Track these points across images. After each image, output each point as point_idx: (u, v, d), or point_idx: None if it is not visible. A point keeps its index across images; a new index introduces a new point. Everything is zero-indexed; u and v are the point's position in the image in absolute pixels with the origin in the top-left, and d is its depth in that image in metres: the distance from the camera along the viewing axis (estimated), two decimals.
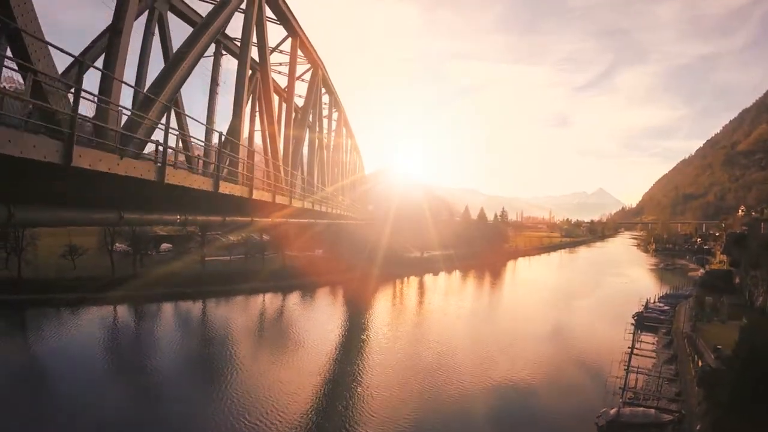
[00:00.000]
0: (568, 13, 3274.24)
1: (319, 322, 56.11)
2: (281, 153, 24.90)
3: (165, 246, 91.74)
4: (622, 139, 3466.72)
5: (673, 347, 44.21)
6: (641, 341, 47.05)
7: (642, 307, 59.82)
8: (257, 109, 30.66)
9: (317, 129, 37.37)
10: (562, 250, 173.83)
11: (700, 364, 35.75)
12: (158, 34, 20.92)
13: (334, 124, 48.69)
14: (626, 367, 39.22)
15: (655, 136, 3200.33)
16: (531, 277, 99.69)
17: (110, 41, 11.51)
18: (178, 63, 13.30)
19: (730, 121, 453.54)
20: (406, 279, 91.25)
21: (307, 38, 27.79)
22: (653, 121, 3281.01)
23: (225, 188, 12.41)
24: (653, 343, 47.75)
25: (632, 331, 47.51)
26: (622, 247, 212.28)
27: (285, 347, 46.82)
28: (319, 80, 32.46)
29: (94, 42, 17.88)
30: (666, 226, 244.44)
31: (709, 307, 54.76)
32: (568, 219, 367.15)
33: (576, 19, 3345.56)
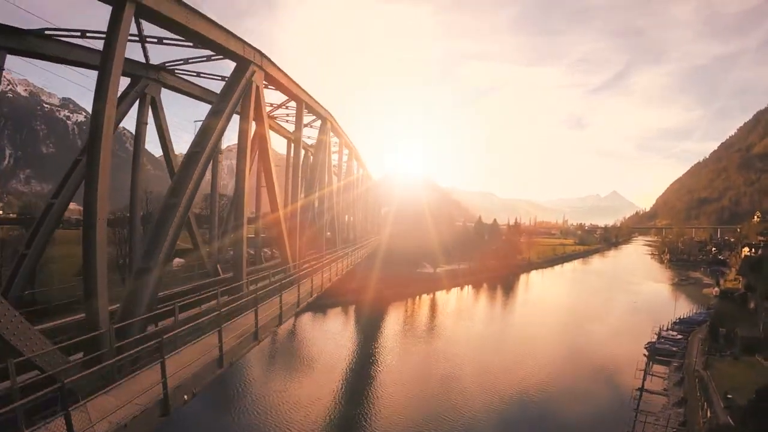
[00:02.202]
0: (582, 14, 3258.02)
1: (333, 348, 56.43)
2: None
3: (177, 261, 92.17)
4: (637, 141, 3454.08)
5: (684, 387, 43.92)
6: (652, 375, 47.02)
7: (655, 335, 59.53)
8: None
9: (327, 173, 37.54)
10: (576, 261, 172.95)
11: (709, 414, 35.60)
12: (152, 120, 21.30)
13: (345, 154, 49.20)
14: (635, 408, 39.32)
15: (671, 138, 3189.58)
16: (542, 297, 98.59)
17: (89, 157, 10.59)
18: (184, 181, 13.41)
19: (745, 123, 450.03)
20: (418, 298, 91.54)
21: (312, 99, 27.87)
22: (669, 122, 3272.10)
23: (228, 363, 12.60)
24: (665, 378, 47.54)
25: (643, 367, 47.36)
26: (636, 256, 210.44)
27: (298, 375, 47.26)
28: (328, 129, 32.76)
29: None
30: (680, 232, 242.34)
31: (722, 338, 54.54)
32: (581, 224, 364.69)
33: (590, 19, 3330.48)
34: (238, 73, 16.05)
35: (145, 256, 12.68)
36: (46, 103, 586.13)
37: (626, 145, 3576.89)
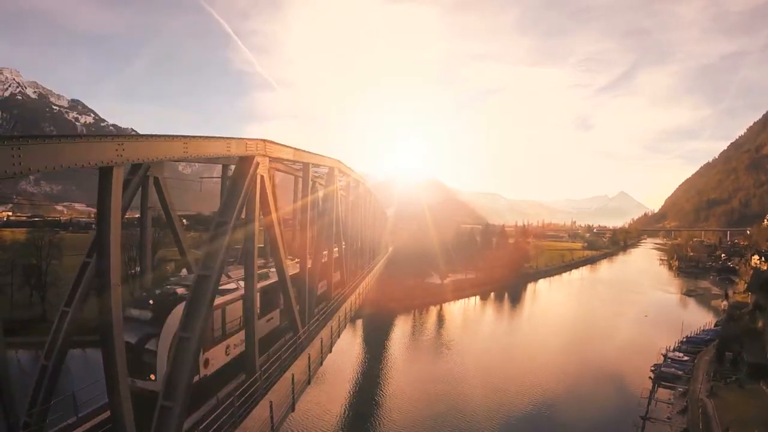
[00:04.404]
0: (587, 13, 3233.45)
1: (337, 366, 56.50)
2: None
3: (185, 273, 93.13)
4: (645, 141, 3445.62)
5: (687, 416, 43.94)
6: (658, 400, 47.28)
7: (662, 356, 59.57)
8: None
9: (336, 206, 37.62)
10: (584, 267, 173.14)
11: None
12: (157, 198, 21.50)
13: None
14: None
15: (679, 138, 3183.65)
16: (551, 312, 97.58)
17: (98, 260, 10.27)
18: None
19: (755, 123, 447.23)
20: (425, 311, 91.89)
21: (318, 157, 27.88)
22: (676, 122, 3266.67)
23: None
24: (670, 403, 47.61)
25: (648, 395, 47.64)
26: (645, 261, 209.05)
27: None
28: (336, 174, 33.03)
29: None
30: (689, 235, 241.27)
31: (728, 362, 54.61)
32: (589, 225, 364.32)
33: (596, 19, 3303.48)
34: (242, 170, 16.16)
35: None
36: (55, 105, 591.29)
37: (633, 145, 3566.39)
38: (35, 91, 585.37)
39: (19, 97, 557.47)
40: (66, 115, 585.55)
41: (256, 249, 16.64)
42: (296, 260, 26.31)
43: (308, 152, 24.81)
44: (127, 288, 52.98)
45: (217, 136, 14.04)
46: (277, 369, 17.93)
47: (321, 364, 21.30)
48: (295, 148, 21.82)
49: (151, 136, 11.07)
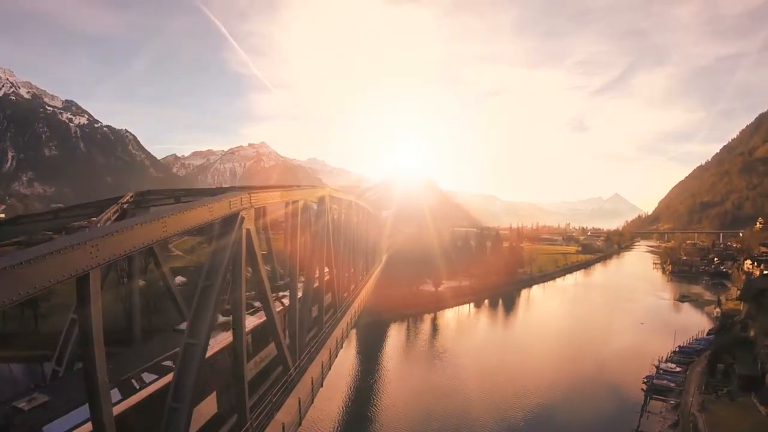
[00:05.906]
0: (585, 15, 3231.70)
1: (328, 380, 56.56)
2: None
3: (180, 279, 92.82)
4: (640, 143, 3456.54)
5: (678, 431, 44.15)
6: (650, 413, 47.58)
7: (654, 366, 59.84)
8: None
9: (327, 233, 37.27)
10: (578, 272, 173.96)
11: None
12: None
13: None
14: None
15: (673, 140, 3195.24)
16: (546, 320, 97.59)
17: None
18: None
19: (747, 126, 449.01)
20: (420, 320, 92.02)
21: (306, 193, 27.96)
22: (671, 124, 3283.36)
23: None
24: (662, 416, 47.83)
25: (640, 408, 48.08)
26: (639, 265, 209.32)
27: None
28: (327, 201, 32.93)
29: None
30: (683, 238, 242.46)
31: (720, 373, 54.86)
32: (584, 228, 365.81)
33: (594, 21, 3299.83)
34: (226, 228, 15.23)
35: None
36: (49, 106, 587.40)
37: (628, 147, 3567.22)
38: (29, 92, 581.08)
39: (13, 98, 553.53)
40: (60, 116, 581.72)
41: (243, 304, 16.23)
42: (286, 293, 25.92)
43: (297, 190, 23.85)
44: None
45: (201, 199, 13.50)
46: (268, 414, 17.72)
47: (312, 402, 21.14)
48: (282, 190, 21.01)
49: (128, 223, 10.06)
